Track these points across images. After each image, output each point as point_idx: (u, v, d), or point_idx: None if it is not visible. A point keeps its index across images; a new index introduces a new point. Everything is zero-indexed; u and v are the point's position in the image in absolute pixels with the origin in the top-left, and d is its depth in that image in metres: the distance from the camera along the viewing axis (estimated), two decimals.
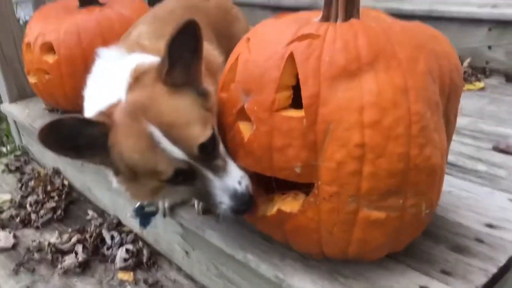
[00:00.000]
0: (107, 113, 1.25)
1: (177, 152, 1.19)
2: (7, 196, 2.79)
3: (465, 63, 2.74)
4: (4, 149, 3.50)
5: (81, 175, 2.63)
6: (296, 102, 1.19)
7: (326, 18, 1.24)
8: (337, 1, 1.22)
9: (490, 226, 1.48)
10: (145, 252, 2.11)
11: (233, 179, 1.25)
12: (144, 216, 1.72)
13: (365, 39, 1.14)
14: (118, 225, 2.33)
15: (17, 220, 2.52)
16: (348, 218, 1.18)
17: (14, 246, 2.34)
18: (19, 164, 3.16)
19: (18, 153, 3.34)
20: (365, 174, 1.13)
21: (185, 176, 1.24)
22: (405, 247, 1.39)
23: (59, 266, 2.11)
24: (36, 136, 1.11)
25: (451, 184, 1.73)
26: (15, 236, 2.39)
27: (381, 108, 1.10)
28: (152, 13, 1.96)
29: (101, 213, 2.49)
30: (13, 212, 2.60)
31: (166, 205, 1.76)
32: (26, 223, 2.51)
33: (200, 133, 1.22)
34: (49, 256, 2.17)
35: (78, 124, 1.17)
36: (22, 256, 2.24)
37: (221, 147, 1.31)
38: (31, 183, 2.80)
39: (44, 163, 3.04)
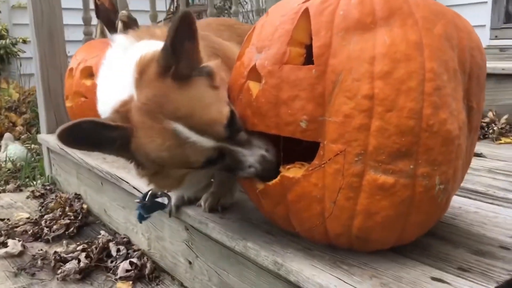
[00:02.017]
0: (123, 112, 1.23)
1: (206, 141, 1.19)
2: (26, 215, 2.78)
3: (503, 119, 2.66)
4: (34, 183, 3.57)
5: (99, 196, 2.61)
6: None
7: None
8: None
9: None
10: (148, 266, 2.00)
11: (260, 148, 1.25)
12: (152, 206, 1.64)
13: None
14: (127, 243, 2.25)
15: (29, 233, 2.49)
16: (354, 182, 1.10)
17: (21, 254, 2.28)
18: (44, 192, 3.18)
19: (47, 183, 3.39)
20: (373, 129, 1.07)
21: (216, 159, 1.24)
22: (419, 246, 1.27)
23: (59, 272, 2.02)
24: (56, 136, 1.14)
25: (479, 207, 1.60)
26: (24, 246, 2.34)
27: (393, 60, 1.06)
28: None
29: (114, 234, 2.42)
30: (27, 227, 2.57)
31: (173, 203, 1.70)
32: (37, 237, 2.47)
33: (221, 114, 1.21)
34: (52, 263, 2.09)
35: (97, 128, 1.18)
36: (26, 262, 2.17)
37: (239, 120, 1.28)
38: (51, 205, 2.80)
39: (69, 190, 3.06)
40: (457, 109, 1.12)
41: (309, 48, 1.17)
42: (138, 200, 1.65)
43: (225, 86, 1.36)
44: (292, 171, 1.20)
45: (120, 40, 1.46)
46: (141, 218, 1.67)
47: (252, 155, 1.24)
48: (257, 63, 1.21)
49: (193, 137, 1.18)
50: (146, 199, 1.62)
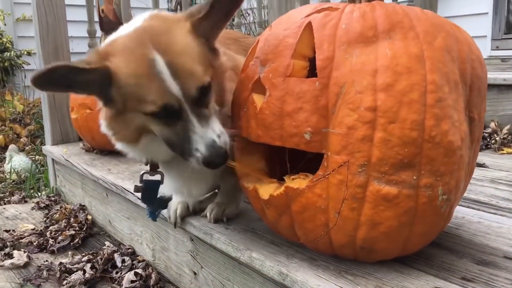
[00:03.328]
0: (103, 50, 1.25)
1: (174, 88, 1.18)
2: (31, 226, 2.80)
3: (505, 130, 2.67)
4: (39, 194, 3.59)
5: (104, 207, 2.62)
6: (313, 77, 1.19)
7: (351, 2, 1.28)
8: None
9: None
10: (153, 276, 2.01)
11: (213, 131, 1.23)
12: (152, 195, 1.63)
13: (383, 11, 1.15)
14: (132, 254, 2.26)
15: (35, 244, 2.50)
16: (357, 192, 1.11)
17: (26, 265, 2.30)
18: (49, 203, 3.20)
19: (51, 194, 3.40)
20: (376, 140, 1.08)
21: (170, 114, 1.21)
22: (423, 256, 1.29)
23: (64, 283, 2.03)
24: (30, 81, 1.14)
25: (482, 217, 1.61)
26: (29, 258, 2.35)
27: (395, 72, 1.08)
28: None
29: (118, 245, 2.43)
30: (33, 238, 2.58)
31: (178, 213, 1.72)
32: (42, 248, 2.49)
33: (202, 77, 1.22)
34: (57, 274, 2.11)
35: (72, 72, 1.18)
36: (31, 273, 2.18)
37: (213, 105, 1.29)
38: (56, 216, 2.82)
39: (73, 201, 3.07)
40: (458, 120, 1.14)
41: (312, 61, 1.19)
42: (135, 187, 1.62)
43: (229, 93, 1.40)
44: (297, 182, 1.22)
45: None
46: (153, 216, 1.69)
47: (202, 138, 1.21)
48: (261, 76, 1.23)
49: (165, 74, 1.16)
50: (141, 182, 1.57)
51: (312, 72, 1.19)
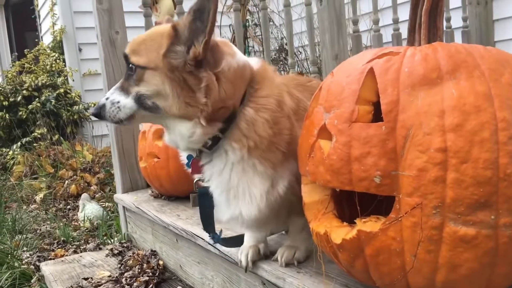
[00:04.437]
0: None
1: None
2: (107, 273, 2.91)
3: None
4: (112, 240, 3.73)
5: (174, 253, 2.69)
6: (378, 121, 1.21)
7: (410, 45, 1.30)
8: (420, 27, 1.28)
9: None
10: None
11: (111, 93, 1.51)
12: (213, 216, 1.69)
13: (445, 52, 1.16)
14: None
15: None
16: (433, 234, 1.10)
17: None
18: (122, 249, 3.32)
19: (123, 240, 3.53)
20: (449, 181, 1.07)
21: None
22: None
23: None
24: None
25: None
26: None
27: (463, 112, 1.08)
28: None
29: None
30: (110, 285, 2.68)
31: (250, 257, 1.74)
32: None
33: (130, 52, 1.47)
34: None
35: None
36: None
37: (139, 91, 1.45)
38: (130, 262, 2.91)
39: (144, 247, 3.17)
40: None
41: (376, 104, 1.21)
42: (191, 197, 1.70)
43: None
44: (369, 225, 1.22)
45: None
46: (217, 238, 1.76)
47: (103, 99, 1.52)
48: (327, 122, 1.26)
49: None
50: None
51: (376, 115, 1.21)
